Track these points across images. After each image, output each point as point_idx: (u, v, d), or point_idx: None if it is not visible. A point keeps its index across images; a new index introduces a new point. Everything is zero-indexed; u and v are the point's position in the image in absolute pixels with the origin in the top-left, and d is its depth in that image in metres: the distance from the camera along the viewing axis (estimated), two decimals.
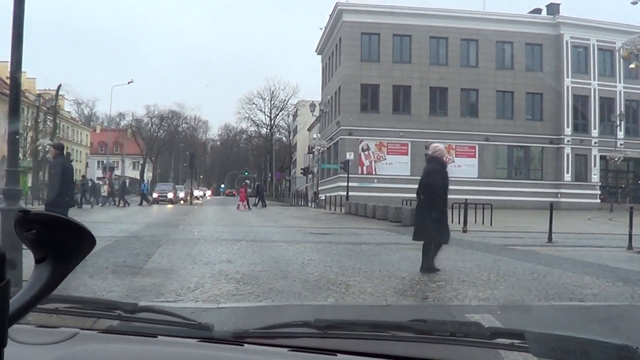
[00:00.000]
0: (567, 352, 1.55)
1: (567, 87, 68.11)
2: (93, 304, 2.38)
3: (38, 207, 42.41)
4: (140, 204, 62.39)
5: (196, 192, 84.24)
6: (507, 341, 1.94)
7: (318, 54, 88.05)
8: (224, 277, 12.30)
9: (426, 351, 1.97)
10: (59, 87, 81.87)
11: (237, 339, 1.95)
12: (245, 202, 56.89)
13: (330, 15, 74.21)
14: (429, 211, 13.91)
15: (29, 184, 70.90)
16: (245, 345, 1.87)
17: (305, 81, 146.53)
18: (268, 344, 1.93)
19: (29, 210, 1.39)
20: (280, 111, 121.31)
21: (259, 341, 1.95)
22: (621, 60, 65.26)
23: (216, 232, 24.88)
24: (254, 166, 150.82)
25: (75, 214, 27.26)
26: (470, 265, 15.53)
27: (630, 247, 20.32)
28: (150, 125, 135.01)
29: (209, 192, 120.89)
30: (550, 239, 23.07)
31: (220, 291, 10.64)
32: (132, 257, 15.31)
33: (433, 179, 14.01)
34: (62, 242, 1.41)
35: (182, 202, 74.52)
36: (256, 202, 64.88)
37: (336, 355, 1.75)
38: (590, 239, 25.18)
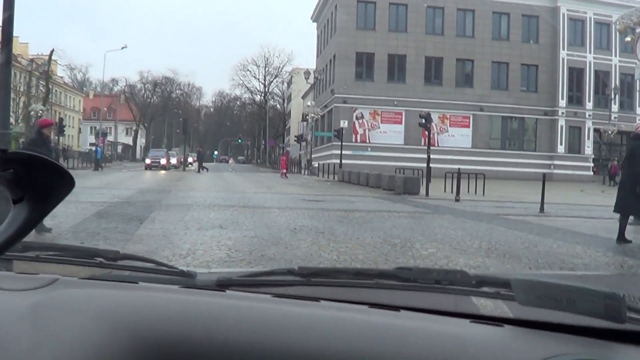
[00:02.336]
0: (553, 300, 1.55)
1: (563, 60, 68.08)
2: (74, 251, 2.34)
3: None
4: (96, 169, 60.89)
5: (190, 159, 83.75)
6: (493, 289, 1.93)
7: (314, 21, 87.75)
8: (215, 243, 12.29)
9: (410, 299, 1.91)
10: (52, 52, 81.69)
11: (220, 286, 1.93)
12: (285, 170, 57.36)
13: None
14: (633, 186, 14.18)
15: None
16: (228, 291, 1.84)
17: (300, 49, 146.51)
18: (251, 291, 1.90)
19: (5, 150, 1.36)
20: (274, 78, 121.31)
21: (242, 288, 1.92)
22: (617, 33, 65.33)
23: (209, 198, 24.88)
24: (248, 133, 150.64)
25: None
26: (462, 233, 15.55)
27: None
28: (143, 91, 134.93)
29: None
30: (542, 209, 23.17)
31: (211, 257, 10.65)
32: (124, 223, 15.27)
33: (637, 156, 14.19)
34: (40, 183, 1.41)
35: (174, 168, 74.41)
36: (199, 168, 65.60)
37: (319, 301, 1.75)
38: (582, 210, 25.20)
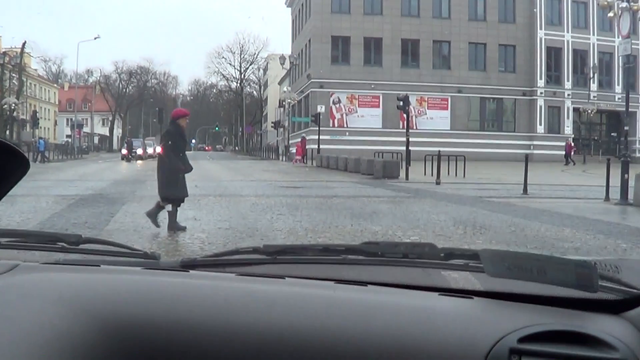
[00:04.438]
0: (523, 270, 1.54)
1: (540, 39, 67.97)
2: (35, 236, 2.31)
3: None
4: (40, 161, 57.61)
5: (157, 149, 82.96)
6: (462, 262, 1.90)
7: (288, 6, 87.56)
8: (188, 236, 11.86)
9: (378, 274, 1.89)
10: (24, 44, 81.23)
11: (184, 267, 1.90)
12: (301, 157, 56.57)
13: None
14: None
15: None
16: (192, 271, 1.82)
17: (276, 35, 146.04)
18: (216, 270, 1.88)
19: None
20: (250, 65, 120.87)
21: (207, 269, 1.90)
22: (594, 12, 65.42)
23: None
24: (225, 121, 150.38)
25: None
26: (445, 218, 15.23)
27: (607, 198, 20.20)
28: (118, 82, 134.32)
29: None
30: (525, 190, 22.88)
31: (184, 250, 10.25)
32: (94, 217, 14.76)
33: None
34: None
35: (151, 157, 73.92)
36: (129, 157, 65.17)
37: (284, 279, 1.73)
38: (565, 191, 25.03)
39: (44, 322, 1.38)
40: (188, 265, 1.93)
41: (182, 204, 12.78)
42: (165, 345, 1.44)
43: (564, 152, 59.36)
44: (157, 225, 12.32)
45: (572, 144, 59.42)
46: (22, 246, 2.16)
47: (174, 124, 13.18)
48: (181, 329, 1.45)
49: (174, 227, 12.23)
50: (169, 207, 12.39)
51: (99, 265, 1.83)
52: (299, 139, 48.72)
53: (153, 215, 12.45)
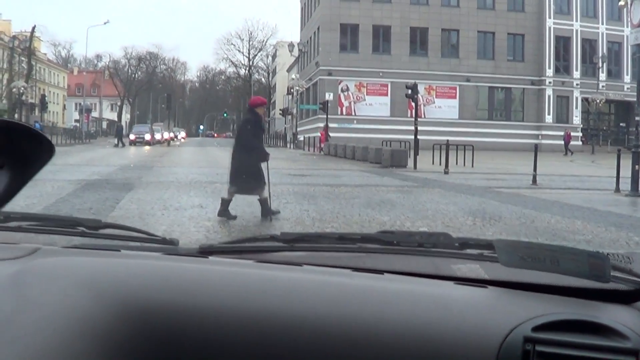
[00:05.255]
0: (536, 260, 1.57)
1: (549, 28, 67.63)
2: (56, 221, 2.37)
3: None
4: None
5: (166, 134, 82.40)
6: (476, 251, 1.94)
7: None
8: (193, 224, 11.75)
9: (394, 263, 1.93)
10: (34, 28, 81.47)
11: (203, 253, 1.93)
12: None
13: None
14: None
15: None
16: (211, 257, 1.84)
17: (284, 22, 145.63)
18: (234, 257, 1.90)
19: None
20: (258, 52, 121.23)
21: (225, 255, 1.93)
22: (604, 1, 65.06)
23: (191, 175, 24.22)
24: (233, 107, 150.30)
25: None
26: (454, 208, 15.09)
27: (617, 189, 20.01)
28: (127, 67, 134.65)
29: (182, 134, 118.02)
30: (534, 180, 22.72)
31: (188, 239, 10.04)
32: (99, 203, 14.64)
33: None
34: (20, 150, 1.42)
35: (159, 143, 73.83)
36: (116, 142, 63.58)
37: (302, 266, 1.75)
38: (575, 181, 24.81)
39: (67, 304, 1.39)
40: (206, 251, 1.97)
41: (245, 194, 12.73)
42: (184, 330, 1.45)
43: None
44: (234, 217, 12.32)
45: (571, 134, 59.07)
46: (43, 230, 2.20)
47: (252, 112, 13.11)
48: (200, 315, 1.47)
49: (226, 214, 12.31)
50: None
51: (119, 250, 1.88)
52: (322, 126, 48.55)
53: (225, 211, 12.42)
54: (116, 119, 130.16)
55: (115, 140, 64.34)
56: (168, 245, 2.08)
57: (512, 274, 1.63)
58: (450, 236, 2.03)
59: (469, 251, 1.95)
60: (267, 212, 12.30)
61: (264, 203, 12.42)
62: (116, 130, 71.16)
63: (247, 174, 12.40)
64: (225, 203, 12.42)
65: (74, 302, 1.40)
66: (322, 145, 54.96)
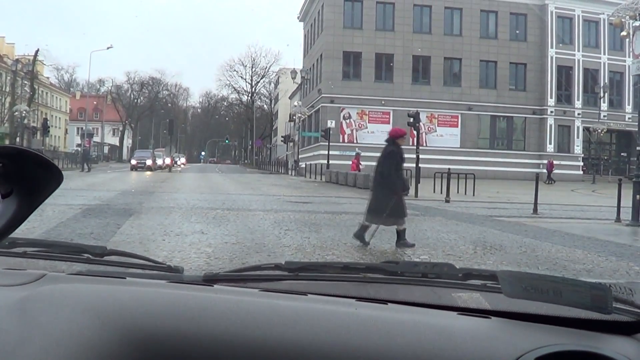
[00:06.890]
0: (539, 291, 1.58)
1: (551, 58, 67.83)
2: (61, 247, 2.34)
3: None
4: None
5: (168, 160, 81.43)
6: (480, 282, 1.96)
7: (300, 20, 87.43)
8: (194, 250, 11.66)
9: (397, 292, 1.97)
10: (37, 51, 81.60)
11: (208, 281, 1.95)
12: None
13: None
14: None
15: None
16: (215, 286, 1.86)
17: (287, 49, 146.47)
18: (239, 285, 1.93)
19: None
20: (261, 78, 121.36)
21: (230, 284, 1.95)
22: (606, 31, 65.35)
23: (192, 200, 24.21)
24: (235, 134, 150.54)
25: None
26: (455, 237, 15.07)
27: (618, 219, 20.00)
28: (130, 92, 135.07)
29: (182, 160, 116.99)
30: (535, 210, 22.63)
31: (188, 266, 9.95)
32: (100, 228, 14.57)
33: None
34: (29, 177, 1.43)
35: (160, 169, 73.78)
36: (83, 167, 61.76)
37: (307, 295, 1.76)
38: (576, 211, 24.79)
39: (73, 331, 1.39)
40: (211, 279, 1.98)
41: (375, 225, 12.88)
42: (188, 358, 1.45)
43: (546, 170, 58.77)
44: (367, 243, 12.57)
45: (553, 162, 58.93)
46: (48, 256, 2.21)
47: (395, 144, 13.44)
48: (205, 343, 1.47)
49: (369, 236, 12.72)
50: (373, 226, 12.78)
51: (125, 278, 1.88)
52: (354, 154, 48.62)
53: (362, 236, 12.70)
54: (118, 143, 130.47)
55: (82, 165, 62.54)
56: (173, 273, 2.09)
57: (515, 304, 1.64)
58: (453, 267, 2.05)
59: (472, 282, 1.98)
60: (403, 244, 12.47)
61: (401, 233, 12.63)
62: (82, 153, 69.22)
63: (387, 205, 12.46)
64: (364, 228, 12.66)
65: (80, 329, 1.41)
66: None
